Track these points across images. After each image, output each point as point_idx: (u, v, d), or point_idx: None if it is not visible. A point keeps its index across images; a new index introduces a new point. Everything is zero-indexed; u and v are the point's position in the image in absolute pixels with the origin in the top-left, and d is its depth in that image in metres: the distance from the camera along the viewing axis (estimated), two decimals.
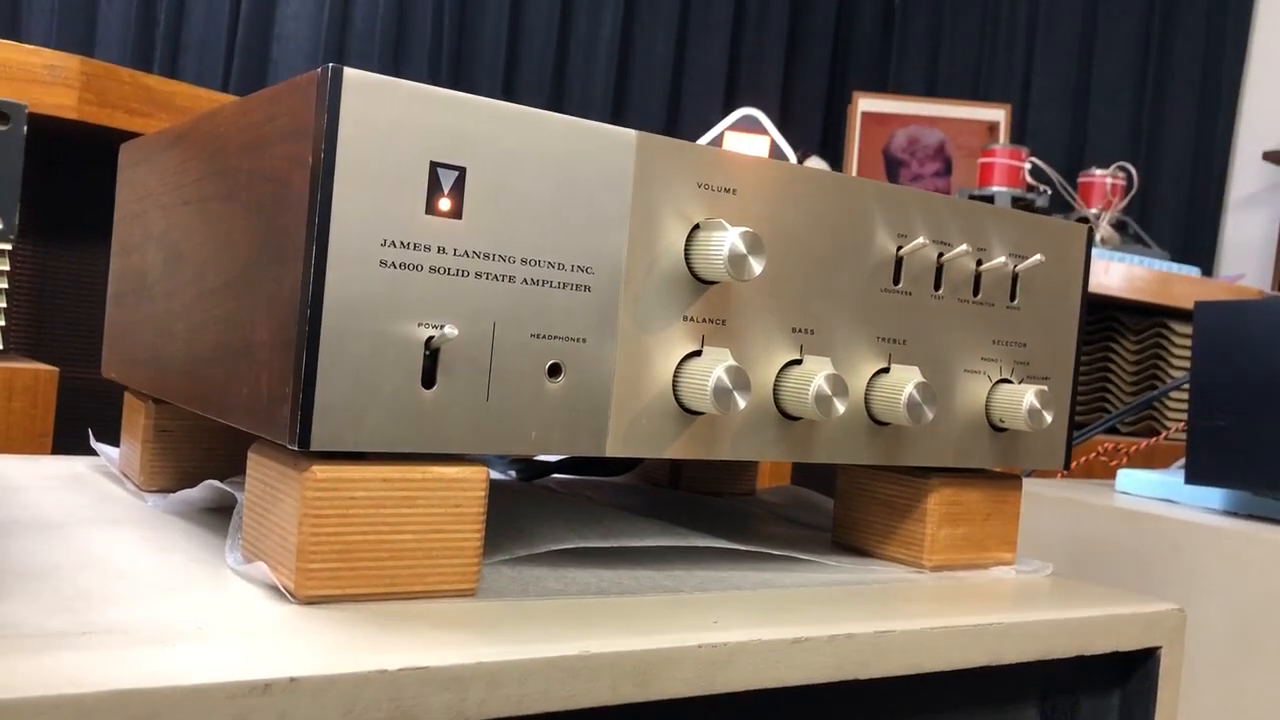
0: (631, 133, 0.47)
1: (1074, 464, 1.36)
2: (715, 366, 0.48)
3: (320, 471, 0.41)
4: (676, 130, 3.13)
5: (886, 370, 0.55)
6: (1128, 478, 1.15)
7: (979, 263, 0.59)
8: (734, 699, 0.44)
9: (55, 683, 0.31)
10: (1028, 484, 1.15)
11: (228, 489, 0.53)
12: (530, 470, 0.75)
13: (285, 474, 0.42)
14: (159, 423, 0.60)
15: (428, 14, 2.73)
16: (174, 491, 0.57)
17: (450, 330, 0.42)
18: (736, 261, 0.47)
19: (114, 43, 2.32)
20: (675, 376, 0.49)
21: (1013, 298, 0.60)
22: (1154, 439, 1.23)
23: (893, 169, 2.75)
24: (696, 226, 0.49)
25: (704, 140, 2.77)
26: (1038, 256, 0.60)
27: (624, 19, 3.03)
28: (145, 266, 0.60)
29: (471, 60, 2.80)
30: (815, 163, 2.73)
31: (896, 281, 0.56)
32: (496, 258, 0.44)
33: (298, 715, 0.33)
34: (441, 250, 0.43)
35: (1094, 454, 1.30)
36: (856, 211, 0.54)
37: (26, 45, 0.94)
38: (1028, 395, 0.58)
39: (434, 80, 2.72)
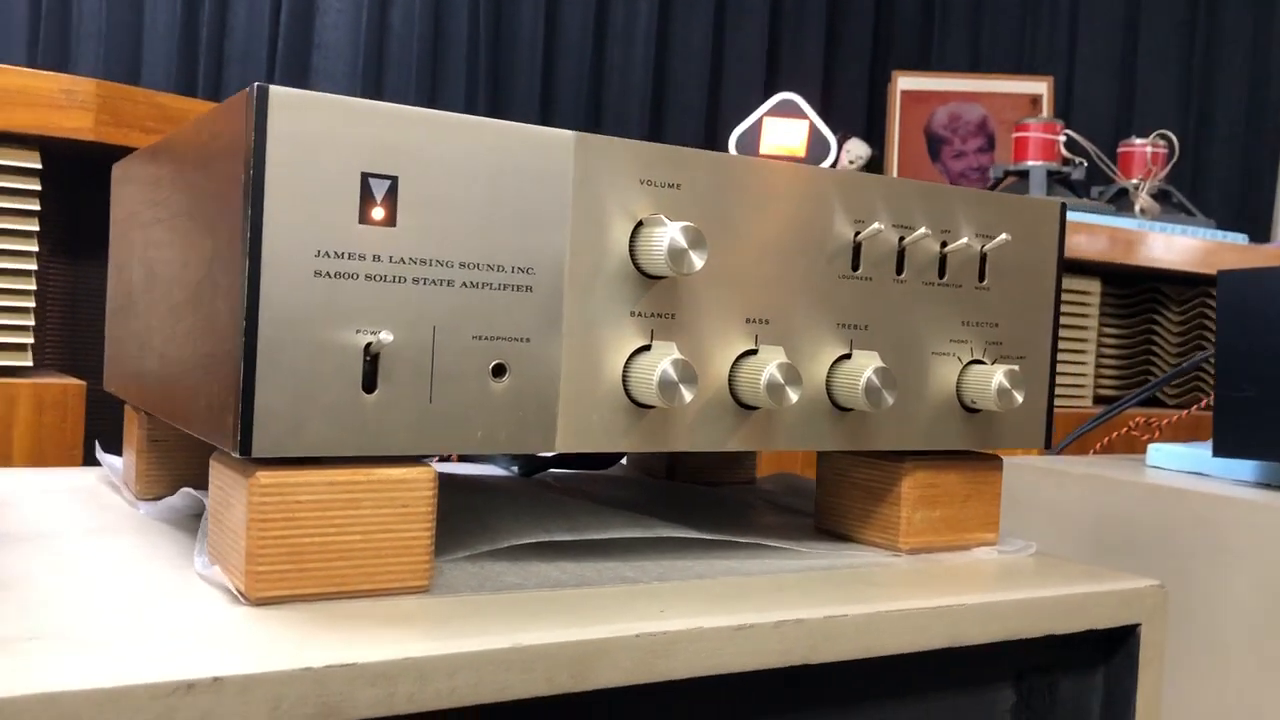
0: (568, 133, 0.48)
1: (1106, 439, 1.35)
2: (661, 360, 0.48)
3: (264, 477, 0.43)
4: (718, 117, 3.12)
5: (849, 356, 0.56)
6: (1158, 452, 1.14)
7: (944, 244, 0.58)
8: (686, 685, 0.44)
9: None
10: (1054, 462, 1.14)
11: (200, 495, 0.55)
12: (530, 465, 0.76)
13: (235, 480, 0.44)
14: (151, 433, 0.62)
15: (464, 16, 2.75)
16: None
17: (385, 336, 0.44)
18: (676, 256, 0.48)
19: (160, 61, 2.38)
20: (625, 371, 0.50)
21: (981, 278, 0.60)
22: (1184, 412, 1.21)
23: (934, 147, 2.72)
24: (640, 223, 0.50)
25: (742, 127, 2.76)
26: (1004, 236, 0.59)
27: (660, 9, 3.03)
28: (131, 283, 0.62)
29: (509, 59, 2.82)
30: (854, 145, 2.71)
31: (855, 267, 0.56)
32: (434, 263, 0.45)
33: (222, 713, 0.35)
34: (376, 258, 0.44)
35: (1125, 429, 1.28)
36: (810, 200, 0.54)
37: (43, 71, 0.97)
38: (996, 375, 0.58)
39: (472, 80, 2.74)
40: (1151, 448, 1.15)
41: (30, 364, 0.98)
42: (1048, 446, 0.64)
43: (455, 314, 0.46)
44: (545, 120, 2.89)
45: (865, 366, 0.54)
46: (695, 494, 0.74)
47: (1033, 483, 1.12)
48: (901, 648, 0.49)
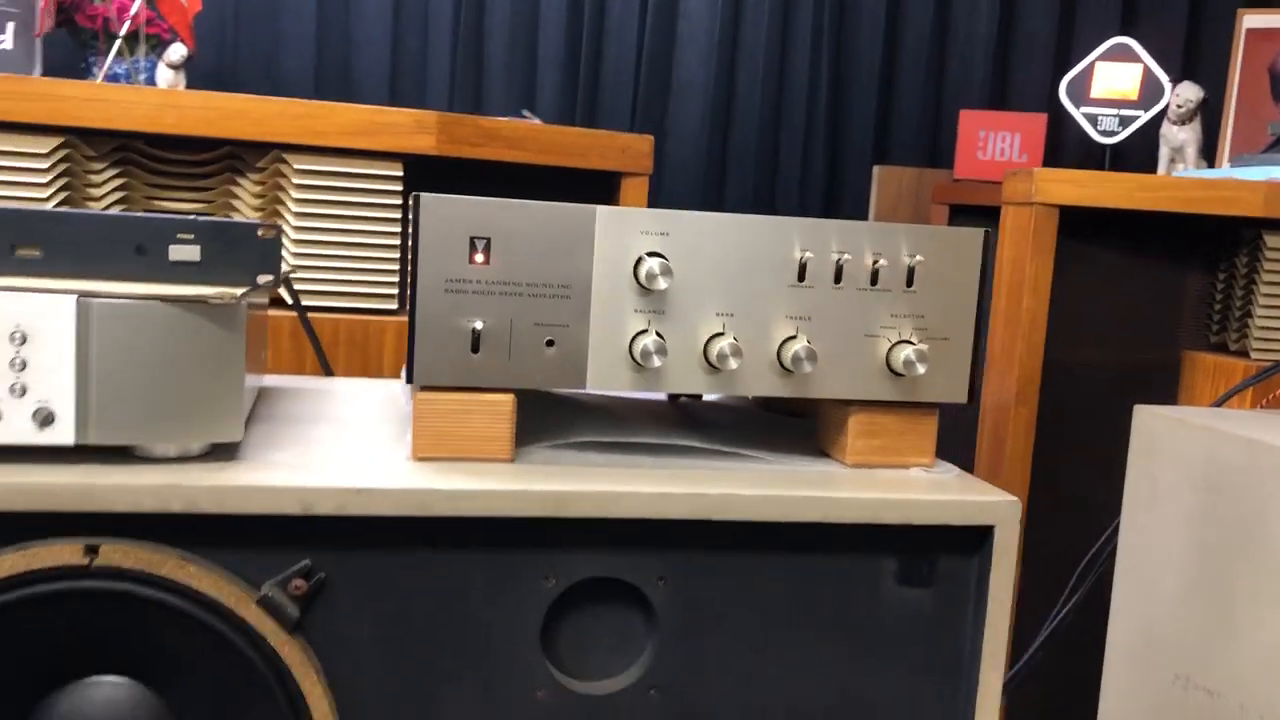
0: (593, 207, 0.83)
1: (1271, 396, 1.47)
2: (644, 339, 0.83)
3: (421, 395, 0.82)
4: (1069, 56, 3.19)
5: (795, 337, 0.87)
6: None
7: (875, 262, 0.87)
8: (632, 522, 0.79)
9: (255, 479, 0.75)
10: (1184, 412, 1.32)
11: None
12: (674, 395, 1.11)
13: (411, 397, 0.84)
14: None
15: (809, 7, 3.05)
16: None
17: (479, 324, 0.82)
18: (650, 279, 0.82)
19: (553, 96, 2.93)
20: (630, 344, 0.84)
21: (909, 284, 0.88)
22: None
23: (1279, 86, 2.66)
24: (640, 257, 0.84)
25: (1073, 73, 2.85)
26: (919, 257, 0.87)
27: None
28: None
29: (853, 36, 3.09)
30: (1184, 88, 2.71)
31: (801, 279, 0.86)
32: (511, 284, 0.82)
33: (372, 504, 0.75)
34: (479, 282, 0.82)
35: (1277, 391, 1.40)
36: (763, 238, 0.85)
37: (402, 109, 1.43)
38: (905, 351, 0.86)
39: (815, 59, 3.05)
40: None
41: (395, 307, 1.46)
42: (971, 400, 0.90)
43: (524, 312, 0.83)
44: (891, 63, 3.13)
45: (796, 344, 0.85)
46: (770, 420, 1.06)
47: (1158, 430, 1.32)
48: (774, 517, 0.81)
